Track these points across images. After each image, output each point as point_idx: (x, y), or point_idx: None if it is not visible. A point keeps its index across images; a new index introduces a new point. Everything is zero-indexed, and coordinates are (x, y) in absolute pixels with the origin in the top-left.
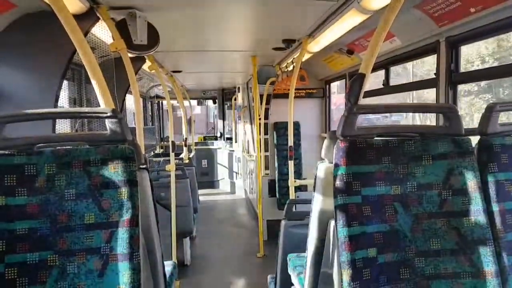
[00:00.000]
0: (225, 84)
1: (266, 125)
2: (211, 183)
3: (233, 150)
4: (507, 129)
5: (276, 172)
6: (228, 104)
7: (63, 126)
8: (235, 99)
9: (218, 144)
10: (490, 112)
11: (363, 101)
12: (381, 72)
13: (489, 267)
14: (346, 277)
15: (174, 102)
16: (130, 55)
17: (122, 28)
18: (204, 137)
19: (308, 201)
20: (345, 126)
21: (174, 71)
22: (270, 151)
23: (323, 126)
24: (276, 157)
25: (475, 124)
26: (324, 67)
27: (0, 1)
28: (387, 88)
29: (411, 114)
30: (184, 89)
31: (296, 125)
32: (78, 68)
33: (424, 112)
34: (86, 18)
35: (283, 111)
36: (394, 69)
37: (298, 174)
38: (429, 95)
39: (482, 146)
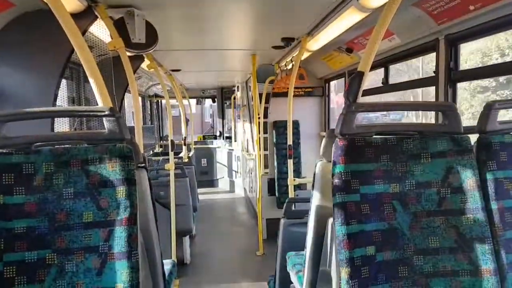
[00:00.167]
0: (224, 83)
1: (265, 124)
2: (211, 182)
3: (232, 149)
4: (506, 127)
5: (276, 170)
6: (228, 103)
7: (61, 125)
8: (234, 98)
9: (217, 143)
10: (489, 110)
11: (362, 99)
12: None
13: (488, 265)
14: (344, 275)
15: (174, 101)
16: (128, 53)
17: (120, 27)
18: (203, 136)
19: (307, 200)
20: (343, 125)
21: (173, 70)
22: (270, 150)
23: (323, 124)
24: (275, 156)
25: None
26: (323, 65)
27: None
28: (386, 87)
29: (414, 113)
30: (183, 88)
31: (296, 124)
32: (77, 67)
33: (423, 110)
34: (84, 17)
35: (283, 110)
36: (399, 66)
37: (298, 173)
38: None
39: (481, 144)
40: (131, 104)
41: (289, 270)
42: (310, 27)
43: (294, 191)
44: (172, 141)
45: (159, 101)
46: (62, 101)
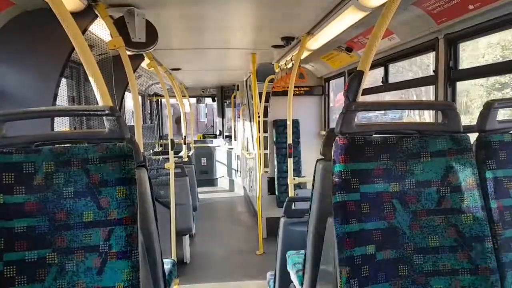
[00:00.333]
0: (224, 82)
1: (265, 123)
2: (210, 181)
3: (232, 148)
4: (505, 126)
5: (275, 169)
6: (227, 102)
7: (61, 124)
8: (234, 97)
9: (217, 142)
10: (488, 109)
11: (362, 98)
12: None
13: (487, 263)
14: (344, 274)
15: (173, 100)
16: (128, 52)
17: (120, 26)
18: (203, 135)
19: (307, 199)
20: (343, 124)
21: (173, 69)
22: (269, 149)
23: (322, 123)
24: (275, 155)
25: None
26: (323, 64)
27: None
28: (386, 86)
29: (417, 112)
30: (183, 87)
31: (295, 123)
32: (77, 66)
33: (423, 109)
34: (84, 16)
35: (282, 109)
36: (402, 63)
37: (297, 172)
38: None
39: (481, 143)
40: (131, 103)
41: (289, 269)
42: (310, 26)
43: (294, 190)
44: (172, 140)
45: (159, 100)
46: (62, 100)
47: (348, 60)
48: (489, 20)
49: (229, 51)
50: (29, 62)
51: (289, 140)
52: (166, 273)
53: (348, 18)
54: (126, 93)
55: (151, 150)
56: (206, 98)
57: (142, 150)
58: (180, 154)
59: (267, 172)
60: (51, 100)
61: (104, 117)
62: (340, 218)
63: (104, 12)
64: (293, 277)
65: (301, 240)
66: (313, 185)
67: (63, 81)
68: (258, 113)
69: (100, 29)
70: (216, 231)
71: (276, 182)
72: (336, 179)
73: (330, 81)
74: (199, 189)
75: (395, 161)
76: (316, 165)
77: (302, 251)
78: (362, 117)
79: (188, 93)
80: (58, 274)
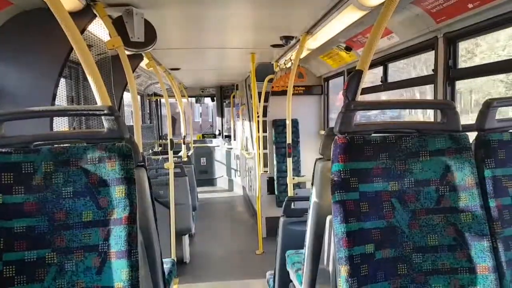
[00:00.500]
0: (223, 82)
1: (264, 122)
2: (210, 181)
3: (231, 148)
4: (504, 125)
5: (275, 169)
6: (227, 102)
7: (60, 124)
8: (233, 97)
9: (216, 142)
10: (487, 108)
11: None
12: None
13: (486, 262)
14: (344, 273)
15: (173, 100)
16: (127, 52)
17: (119, 25)
18: (202, 135)
19: (307, 198)
20: (342, 123)
21: (172, 69)
22: (269, 148)
23: (322, 123)
24: (274, 154)
25: None
26: (322, 64)
27: None
28: (385, 85)
29: (420, 111)
30: (182, 86)
31: (295, 123)
32: (75, 65)
33: (422, 108)
34: (82, 16)
35: (282, 109)
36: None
37: (297, 171)
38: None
39: (480, 142)
40: (130, 103)
41: (289, 268)
42: (309, 25)
43: (293, 189)
44: (171, 140)
45: (159, 100)
46: (61, 100)
47: (348, 59)
48: (489, 19)
49: (228, 51)
50: (27, 61)
51: (288, 139)
52: (166, 273)
53: (347, 17)
54: (125, 92)
55: (150, 150)
56: (205, 98)
57: (141, 150)
58: (179, 154)
59: (267, 171)
60: (50, 100)
61: (103, 117)
62: (339, 217)
63: (102, 12)
64: (293, 276)
65: (300, 239)
66: (312, 184)
67: (62, 81)
68: (258, 113)
69: (99, 29)
70: (216, 231)
71: (275, 182)
72: (335, 179)
73: (329, 81)
74: (199, 189)
75: (394, 160)
76: (315, 164)
77: (302, 251)
78: (362, 115)
79: (187, 93)
80: (58, 274)
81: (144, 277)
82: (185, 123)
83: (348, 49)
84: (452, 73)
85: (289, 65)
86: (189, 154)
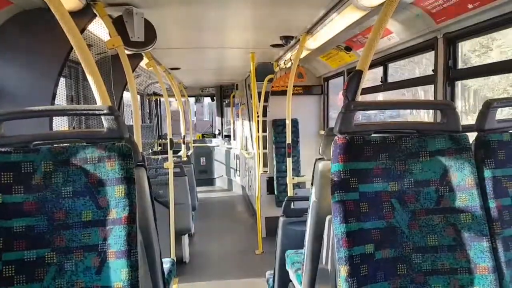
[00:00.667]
0: (223, 81)
1: (264, 122)
2: (209, 181)
3: (231, 148)
4: (504, 125)
5: (275, 169)
6: (226, 102)
7: (60, 124)
8: (233, 97)
9: (216, 142)
10: (487, 108)
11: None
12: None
13: (486, 262)
14: (343, 273)
15: (172, 100)
16: (127, 52)
17: (119, 25)
18: (202, 134)
19: (306, 198)
20: (342, 123)
21: (172, 68)
22: (269, 148)
23: (322, 123)
24: (274, 154)
25: None
26: (322, 64)
27: None
28: (385, 85)
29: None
30: (182, 86)
31: (295, 123)
32: (75, 65)
33: (422, 108)
34: (82, 15)
35: (282, 108)
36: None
37: (297, 171)
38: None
39: (480, 143)
40: (130, 102)
41: (288, 268)
42: (309, 25)
43: (293, 189)
44: (171, 140)
45: (158, 99)
46: (61, 100)
47: (347, 59)
48: (488, 19)
49: (228, 51)
50: (27, 61)
51: (288, 139)
52: (165, 273)
53: (347, 17)
54: (125, 92)
55: (150, 150)
56: (204, 98)
57: (141, 149)
58: (179, 154)
59: (266, 171)
60: (49, 100)
61: (102, 117)
62: (339, 218)
63: (102, 11)
64: (292, 276)
65: (300, 239)
66: (312, 184)
67: (62, 80)
68: (257, 113)
69: (99, 28)
70: (215, 231)
71: (275, 182)
72: (335, 179)
73: (329, 81)
74: (198, 189)
75: (394, 160)
76: (315, 164)
77: (301, 250)
78: (362, 114)
79: (187, 93)
80: (57, 274)
81: (144, 277)
82: (185, 123)
83: (348, 49)
84: (452, 73)
85: (289, 65)
86: (189, 153)
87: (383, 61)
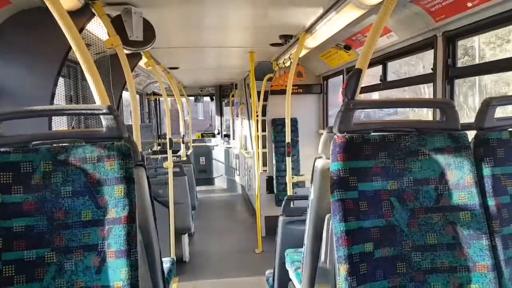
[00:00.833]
0: (222, 81)
1: (263, 121)
2: (209, 180)
3: (230, 147)
4: (503, 123)
5: (274, 168)
6: (226, 101)
7: (59, 124)
8: (232, 96)
9: (215, 141)
10: (486, 106)
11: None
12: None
13: (485, 261)
14: (343, 272)
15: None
16: (126, 51)
17: (117, 24)
18: (201, 134)
19: (306, 197)
20: (341, 122)
21: (171, 68)
22: (268, 147)
23: (321, 122)
24: (274, 153)
25: None
26: (321, 63)
27: None
28: (384, 84)
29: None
30: (181, 85)
31: (294, 122)
32: (74, 65)
33: (421, 107)
34: (81, 15)
35: (281, 108)
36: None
37: (296, 171)
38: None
39: (479, 141)
40: (129, 102)
41: (288, 267)
42: (308, 24)
43: (293, 188)
44: (170, 139)
45: (157, 99)
46: (60, 100)
47: (347, 58)
48: (488, 17)
49: (227, 50)
50: (26, 61)
51: (288, 138)
52: (165, 272)
53: (346, 16)
54: (124, 92)
55: (149, 150)
56: (203, 97)
57: (140, 149)
58: (178, 153)
59: (266, 170)
60: (48, 99)
61: (101, 116)
62: (338, 216)
63: (101, 11)
64: (292, 275)
65: (299, 238)
66: (311, 183)
67: (61, 80)
68: (257, 112)
69: (98, 28)
70: (215, 230)
71: (274, 181)
72: (335, 177)
73: (329, 80)
74: (198, 188)
75: (393, 159)
76: (314, 163)
77: (301, 249)
78: (361, 112)
79: (186, 92)
80: (57, 273)
81: (144, 276)
82: (184, 122)
83: (347, 48)
84: (451, 71)
85: (288, 64)
86: (188, 153)
87: (383, 59)
